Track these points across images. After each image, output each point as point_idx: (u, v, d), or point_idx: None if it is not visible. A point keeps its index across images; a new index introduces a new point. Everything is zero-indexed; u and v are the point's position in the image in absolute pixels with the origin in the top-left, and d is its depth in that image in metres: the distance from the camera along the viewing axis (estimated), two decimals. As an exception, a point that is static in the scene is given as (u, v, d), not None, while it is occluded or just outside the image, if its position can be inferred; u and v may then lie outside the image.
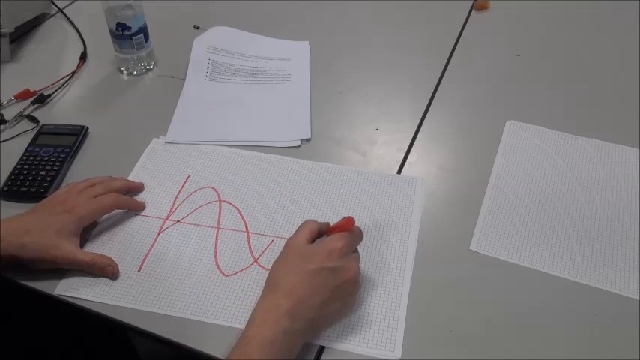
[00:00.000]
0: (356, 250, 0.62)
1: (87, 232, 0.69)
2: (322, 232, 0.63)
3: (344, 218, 0.61)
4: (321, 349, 0.59)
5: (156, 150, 0.82)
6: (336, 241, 0.59)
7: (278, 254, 0.64)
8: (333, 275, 0.57)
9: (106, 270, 0.65)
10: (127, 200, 0.72)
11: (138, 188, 0.76)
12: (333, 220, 0.65)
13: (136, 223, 0.71)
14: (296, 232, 0.62)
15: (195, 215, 0.72)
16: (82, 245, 0.67)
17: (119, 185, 0.73)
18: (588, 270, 0.66)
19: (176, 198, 0.75)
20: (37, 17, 1.06)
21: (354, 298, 0.62)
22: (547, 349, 0.59)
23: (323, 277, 0.57)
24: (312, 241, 0.62)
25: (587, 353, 0.59)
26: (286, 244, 0.61)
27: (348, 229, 0.61)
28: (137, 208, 0.73)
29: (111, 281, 0.65)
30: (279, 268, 0.59)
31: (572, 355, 0.59)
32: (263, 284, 0.64)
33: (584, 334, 0.61)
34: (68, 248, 0.64)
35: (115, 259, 0.66)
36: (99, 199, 0.69)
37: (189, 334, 0.60)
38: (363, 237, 0.63)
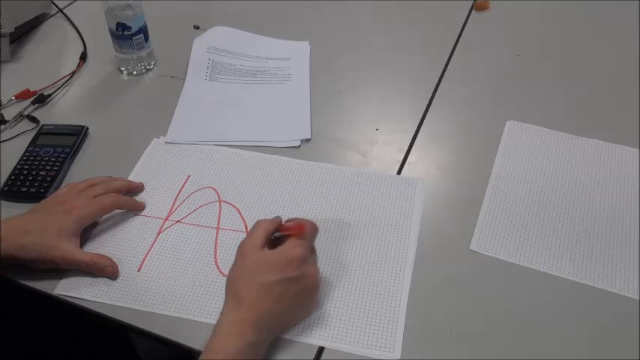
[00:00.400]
0: (313, 250, 0.62)
1: (87, 232, 0.69)
2: (275, 230, 0.61)
3: (295, 221, 0.61)
4: (321, 349, 0.59)
5: (156, 150, 0.82)
6: (293, 249, 0.58)
7: None
8: (295, 284, 0.57)
9: (106, 270, 0.65)
10: (127, 200, 0.72)
11: (138, 188, 0.76)
12: (333, 220, 0.65)
13: (135, 223, 0.71)
14: (249, 234, 0.60)
15: (195, 215, 0.72)
16: (82, 245, 0.67)
17: (119, 185, 0.73)
18: (588, 270, 0.66)
19: (176, 198, 0.75)
20: (37, 17, 1.06)
21: (315, 299, 0.62)
22: (547, 348, 0.59)
23: (284, 288, 0.57)
24: (267, 242, 0.60)
25: (587, 353, 0.59)
26: (241, 249, 0.59)
27: (300, 234, 0.60)
28: (137, 208, 0.73)
29: (111, 281, 0.65)
30: (239, 278, 0.58)
31: (572, 355, 0.59)
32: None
33: (584, 334, 0.61)
34: (68, 249, 0.64)
35: (114, 259, 0.66)
36: (99, 199, 0.69)
37: (189, 334, 0.60)
38: (318, 230, 0.62)
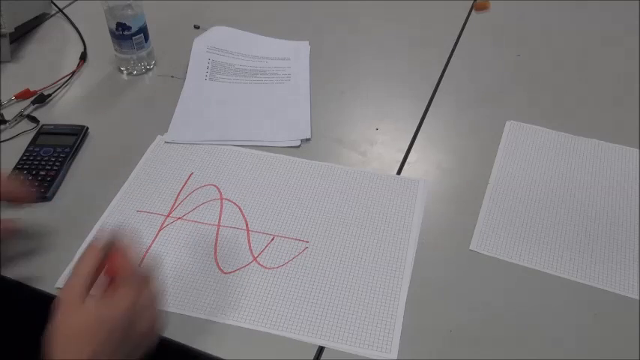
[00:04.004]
0: (145, 281, 0.52)
1: (89, 228, 0.70)
2: (100, 264, 0.51)
3: (120, 259, 0.52)
4: (321, 349, 0.59)
5: (159, 147, 0.82)
6: (120, 302, 0.49)
7: (277, 253, 0.64)
8: (128, 340, 0.49)
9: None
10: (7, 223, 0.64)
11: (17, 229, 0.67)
12: (333, 219, 0.65)
13: (137, 219, 0.71)
14: (67, 285, 0.50)
15: (196, 212, 0.72)
16: (82, 239, 0.68)
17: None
18: (588, 270, 0.66)
19: (178, 195, 0.75)
20: (37, 17, 1.06)
21: (156, 333, 0.53)
22: (547, 349, 0.59)
23: (117, 351, 0.48)
24: (91, 285, 0.50)
25: (587, 353, 0.59)
26: (60, 305, 0.49)
27: (127, 272, 0.51)
28: (25, 198, 0.66)
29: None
30: (59, 345, 0.47)
31: (572, 355, 0.59)
32: (261, 283, 0.65)
33: (584, 334, 0.61)
34: None
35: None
36: None
37: (188, 331, 0.60)
38: (153, 273, 0.53)
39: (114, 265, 0.52)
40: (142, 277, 0.52)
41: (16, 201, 0.66)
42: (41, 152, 0.79)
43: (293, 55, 0.99)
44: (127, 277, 0.51)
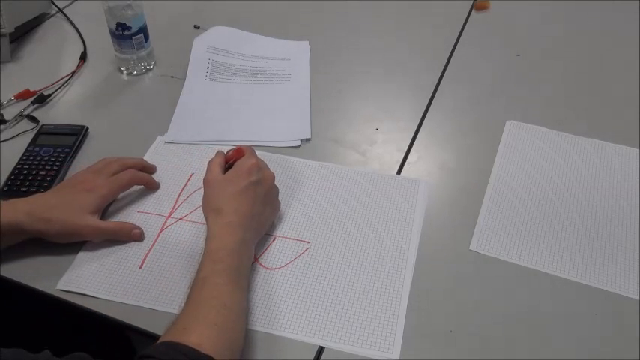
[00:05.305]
0: (261, 161, 0.70)
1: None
2: (225, 161, 0.71)
3: (233, 149, 0.71)
4: (321, 349, 0.59)
5: (160, 148, 0.82)
6: (246, 161, 0.68)
7: (278, 254, 0.66)
8: (260, 186, 0.67)
9: (133, 234, 0.68)
10: (144, 176, 0.75)
11: (151, 168, 0.78)
12: (334, 219, 0.65)
13: (138, 220, 0.71)
14: (208, 170, 0.69)
15: (197, 213, 0.72)
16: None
17: (134, 162, 0.75)
18: (588, 270, 0.66)
19: (179, 196, 0.75)
20: (37, 17, 1.06)
21: (278, 199, 0.71)
22: (547, 349, 0.59)
23: (253, 191, 0.66)
24: (223, 171, 0.69)
25: (587, 353, 0.59)
26: (207, 182, 0.68)
27: (242, 155, 0.69)
28: (153, 186, 0.76)
29: (112, 278, 0.65)
30: (213, 197, 0.66)
31: (572, 355, 0.59)
32: (263, 283, 0.65)
33: (584, 334, 0.61)
34: (92, 220, 0.67)
35: (117, 256, 0.67)
36: (117, 176, 0.71)
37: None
38: (253, 149, 0.72)
39: (233, 155, 0.71)
40: (257, 158, 0.70)
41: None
42: (41, 152, 0.79)
43: (293, 55, 0.99)
44: (246, 154, 0.70)
